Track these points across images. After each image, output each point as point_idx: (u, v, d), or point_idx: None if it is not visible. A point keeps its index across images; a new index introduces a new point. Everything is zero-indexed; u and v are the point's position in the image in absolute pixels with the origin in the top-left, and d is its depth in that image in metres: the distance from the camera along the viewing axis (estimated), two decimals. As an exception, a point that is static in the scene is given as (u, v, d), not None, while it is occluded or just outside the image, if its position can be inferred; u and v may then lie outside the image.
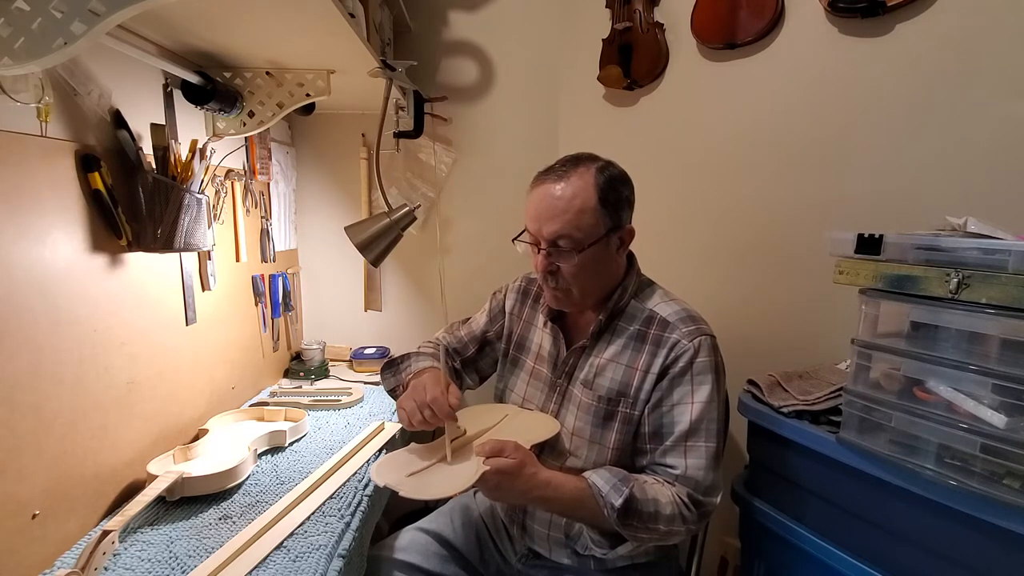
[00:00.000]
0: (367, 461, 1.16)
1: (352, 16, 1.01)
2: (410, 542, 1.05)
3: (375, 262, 1.24)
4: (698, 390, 0.90)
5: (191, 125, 1.20)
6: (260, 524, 0.91)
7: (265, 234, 1.58)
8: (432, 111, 1.71)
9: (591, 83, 1.60)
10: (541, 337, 1.08)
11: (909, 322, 0.87)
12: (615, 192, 0.92)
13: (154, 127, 1.04)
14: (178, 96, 1.14)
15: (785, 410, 1.01)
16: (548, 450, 0.99)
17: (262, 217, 1.57)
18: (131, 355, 1.03)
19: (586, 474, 0.89)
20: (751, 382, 1.13)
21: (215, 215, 1.31)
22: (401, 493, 0.82)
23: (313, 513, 0.97)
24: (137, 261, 1.04)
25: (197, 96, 1.14)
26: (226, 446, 1.13)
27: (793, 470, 1.01)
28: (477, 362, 1.18)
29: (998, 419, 0.73)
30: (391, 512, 1.68)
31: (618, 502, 0.83)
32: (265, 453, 1.19)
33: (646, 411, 0.93)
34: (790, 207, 1.34)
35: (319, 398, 1.50)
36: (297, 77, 1.25)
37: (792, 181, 1.33)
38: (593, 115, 1.66)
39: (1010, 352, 0.75)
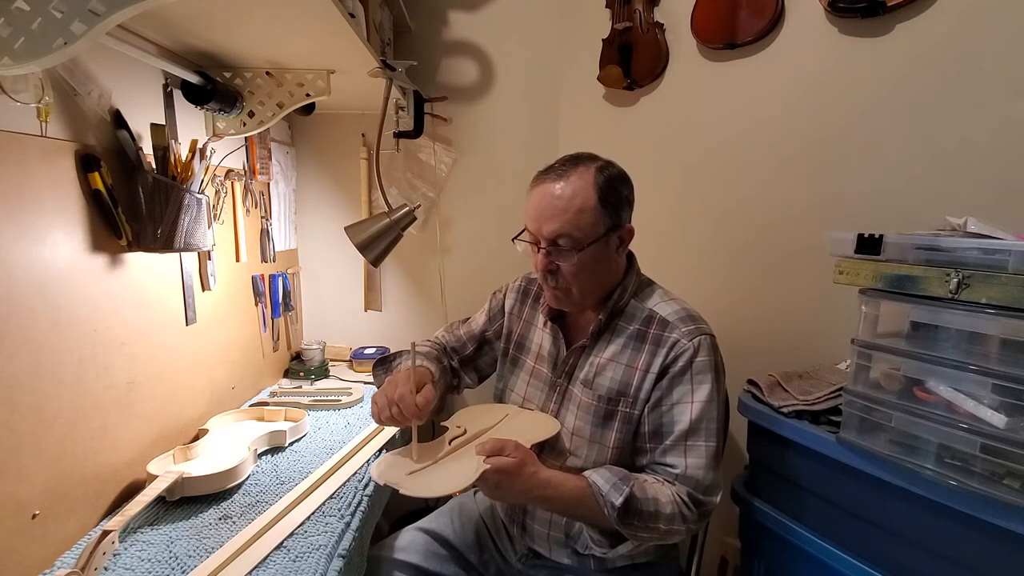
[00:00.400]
0: (367, 461, 1.16)
1: (352, 16, 1.01)
2: (410, 542, 1.05)
3: (375, 262, 1.24)
4: (698, 389, 0.90)
5: (191, 125, 1.20)
6: (260, 524, 0.91)
7: (265, 234, 1.58)
8: (432, 111, 1.71)
9: (591, 83, 1.60)
10: (541, 337, 1.08)
11: (909, 322, 0.87)
12: (615, 192, 0.92)
13: (154, 127, 1.04)
14: (178, 96, 1.14)
15: (785, 410, 1.01)
16: (548, 449, 0.99)
17: (262, 217, 1.57)
18: (131, 355, 1.03)
19: (586, 473, 0.89)
20: (751, 382, 1.13)
21: (215, 215, 1.31)
22: (401, 491, 0.82)
23: (313, 513, 0.97)
24: (137, 261, 1.04)
25: (197, 96, 1.14)
26: (226, 446, 1.13)
27: (793, 470, 1.01)
28: (475, 361, 1.18)
29: (998, 419, 0.73)
30: (391, 512, 1.68)
31: (618, 501, 0.83)
32: (265, 453, 1.19)
33: (646, 410, 0.93)
34: (790, 207, 1.34)
35: (319, 398, 1.50)
36: (297, 77, 1.25)
37: (792, 181, 1.33)
38: (593, 115, 1.66)
39: (1010, 352, 0.75)
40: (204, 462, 1.06)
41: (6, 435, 0.77)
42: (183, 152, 1.09)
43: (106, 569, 0.81)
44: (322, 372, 1.71)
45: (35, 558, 0.81)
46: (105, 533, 0.82)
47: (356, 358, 1.77)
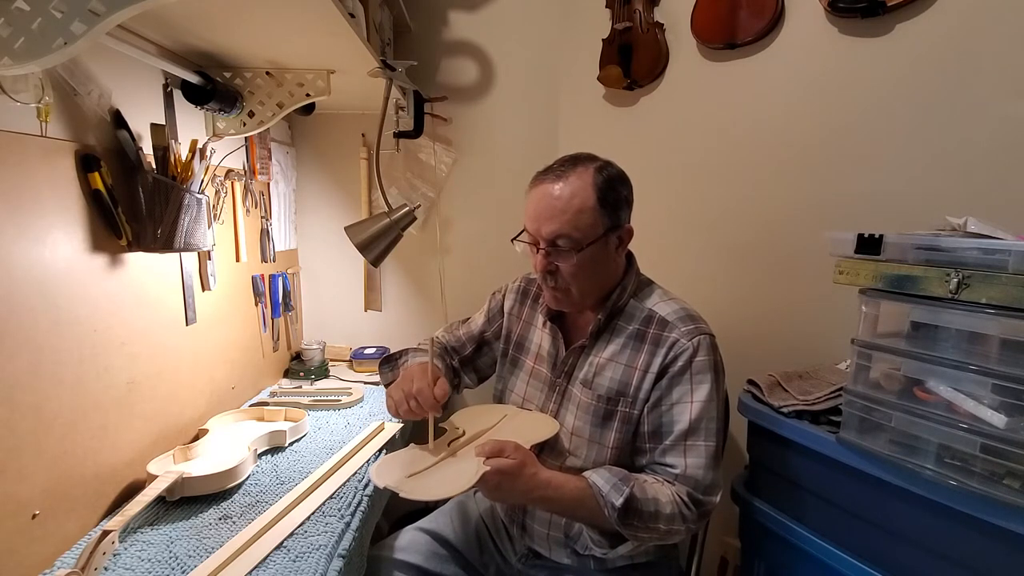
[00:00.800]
0: (367, 461, 1.16)
1: (352, 16, 1.01)
2: (410, 542, 1.05)
3: (375, 262, 1.24)
4: (697, 389, 0.90)
5: (191, 125, 1.20)
6: (260, 524, 0.91)
7: (265, 234, 1.58)
8: (432, 111, 1.70)
9: (591, 83, 1.60)
10: (540, 337, 1.08)
11: (909, 322, 0.87)
12: (614, 192, 0.92)
13: (154, 127, 1.04)
14: (178, 96, 1.14)
15: (785, 410, 1.01)
16: (548, 450, 0.99)
17: (262, 217, 1.57)
18: (131, 355, 1.03)
19: (586, 474, 0.89)
20: (751, 382, 1.13)
21: (215, 215, 1.31)
22: (401, 494, 0.82)
23: (313, 513, 0.97)
24: (137, 261, 1.04)
25: (197, 96, 1.14)
26: (226, 446, 1.13)
27: (793, 470, 1.01)
28: (475, 361, 1.18)
29: (998, 419, 0.73)
30: (391, 512, 1.68)
31: (619, 501, 0.83)
32: (265, 453, 1.19)
33: (645, 410, 0.93)
34: (790, 207, 1.34)
35: (319, 398, 1.50)
36: (297, 77, 1.25)
37: (792, 181, 1.33)
38: (593, 115, 1.66)
39: (1010, 352, 0.75)
40: (204, 462, 1.06)
41: (6, 435, 0.77)
42: (183, 152, 1.09)
43: (106, 569, 0.81)
44: (322, 372, 1.71)
45: (35, 558, 0.81)
46: (105, 533, 0.82)
47: (356, 358, 1.77)
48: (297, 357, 1.79)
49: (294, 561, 0.84)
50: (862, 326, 0.91)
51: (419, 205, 1.39)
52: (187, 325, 1.20)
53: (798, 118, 1.31)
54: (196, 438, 1.18)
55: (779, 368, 1.16)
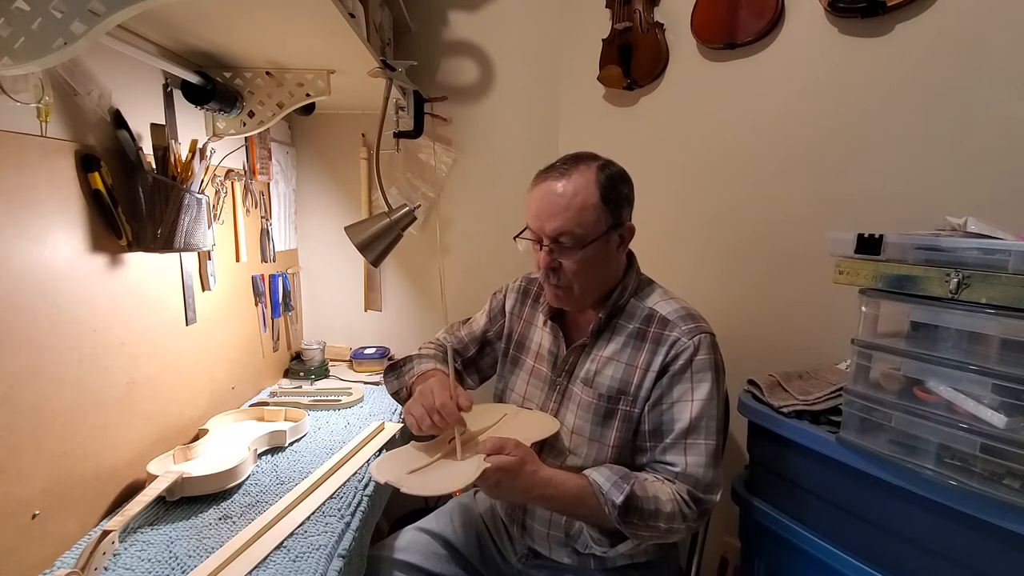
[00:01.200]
0: (367, 461, 1.16)
1: (352, 16, 1.01)
2: (410, 542, 1.05)
3: (375, 262, 1.24)
4: (698, 388, 0.90)
5: (191, 125, 1.20)
6: (260, 524, 0.91)
7: (265, 234, 1.58)
8: (432, 111, 1.71)
9: (591, 83, 1.60)
10: (541, 336, 1.08)
11: (909, 322, 0.87)
12: (615, 190, 0.93)
13: (154, 127, 1.04)
14: (178, 96, 1.14)
15: (785, 410, 1.01)
16: (548, 448, 0.99)
17: (262, 217, 1.57)
18: (131, 355, 1.03)
19: (586, 472, 0.89)
20: (751, 382, 1.13)
21: (215, 215, 1.31)
22: (403, 489, 0.82)
23: (313, 513, 0.97)
24: (137, 261, 1.04)
25: (197, 96, 1.14)
26: (226, 446, 1.13)
27: (793, 470, 1.01)
28: (478, 362, 1.18)
29: (998, 419, 0.73)
30: (391, 512, 1.68)
31: (619, 499, 0.83)
32: (265, 453, 1.19)
33: (646, 409, 0.93)
34: (790, 207, 1.34)
35: (319, 398, 1.50)
36: (297, 77, 1.25)
37: (792, 181, 1.33)
38: (593, 115, 1.66)
39: (1010, 352, 0.75)
40: (204, 462, 1.06)
41: (6, 435, 0.77)
42: (183, 152, 1.09)
43: (106, 569, 0.81)
44: (322, 372, 1.71)
45: (35, 558, 0.81)
46: (105, 533, 0.82)
47: (356, 358, 1.77)
48: (297, 357, 1.79)
49: (294, 561, 0.84)
50: (862, 326, 0.91)
51: (419, 205, 1.39)
52: (187, 325, 1.20)
53: (798, 118, 1.31)
54: (196, 438, 1.18)
55: (779, 368, 1.16)
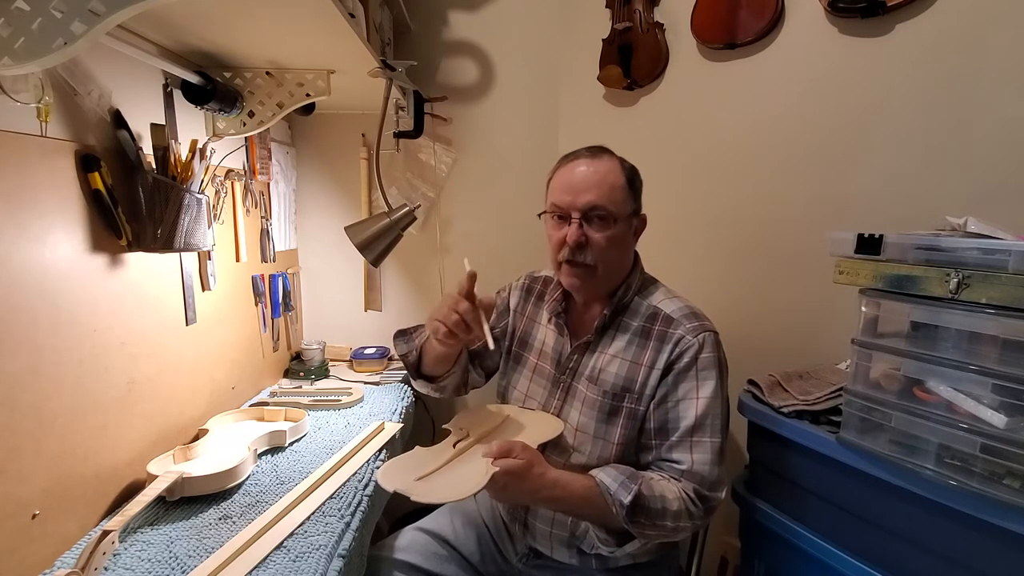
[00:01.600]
0: (367, 461, 1.16)
1: (352, 16, 1.01)
2: (410, 542, 1.05)
3: (375, 262, 1.24)
4: (703, 385, 0.91)
5: (191, 125, 1.20)
6: (260, 524, 0.91)
7: (265, 234, 1.58)
8: (432, 111, 1.71)
9: (591, 83, 1.60)
10: (545, 334, 1.08)
11: (909, 322, 0.87)
12: (637, 179, 1.00)
13: (154, 127, 1.04)
14: (178, 96, 1.14)
15: (785, 410, 1.01)
16: (552, 446, 1.00)
17: (262, 217, 1.57)
18: (131, 355, 1.03)
19: (593, 472, 0.89)
20: (751, 382, 1.13)
21: (215, 215, 1.31)
22: (412, 498, 0.81)
23: (313, 513, 0.97)
24: (137, 261, 1.04)
25: (197, 96, 1.14)
26: (226, 446, 1.13)
27: (793, 470, 1.01)
28: (483, 359, 1.19)
29: (998, 419, 0.73)
30: (391, 512, 1.68)
31: (627, 499, 0.83)
32: (265, 453, 1.19)
33: (651, 407, 0.93)
34: (790, 207, 1.34)
35: (319, 398, 1.50)
36: (297, 77, 1.25)
37: (792, 181, 1.33)
38: (593, 115, 1.66)
39: (1010, 352, 0.75)
40: (204, 462, 1.06)
41: (6, 435, 0.77)
42: (183, 152, 1.09)
43: (106, 569, 0.81)
44: (322, 372, 1.71)
45: (35, 558, 0.81)
46: (105, 533, 0.82)
47: (356, 358, 1.77)
48: (297, 357, 1.79)
49: (294, 561, 0.84)
50: (862, 326, 0.91)
51: (419, 205, 1.39)
52: (187, 325, 1.20)
53: (798, 118, 1.31)
54: (196, 438, 1.18)
55: (779, 368, 1.16)
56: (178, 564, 0.83)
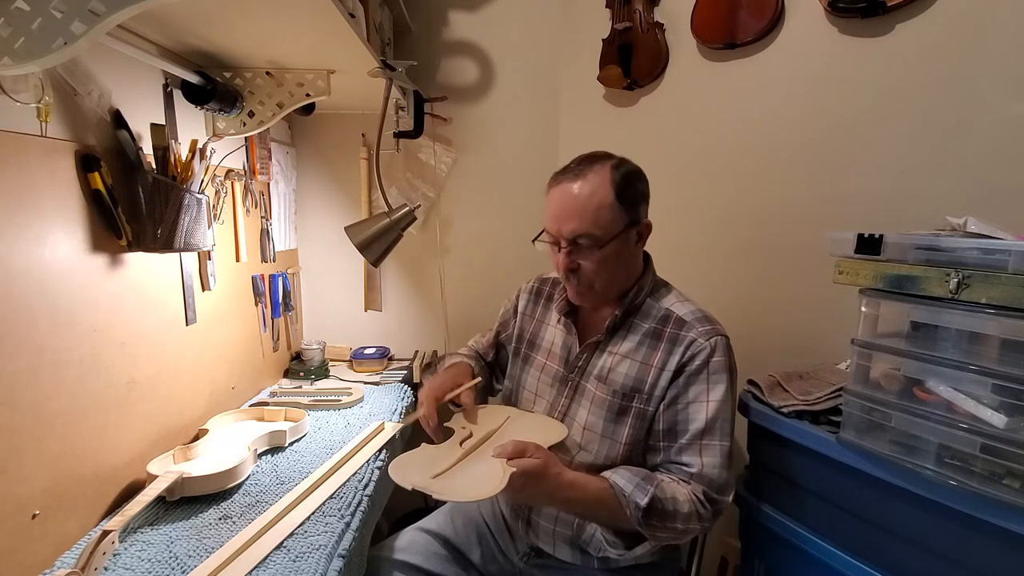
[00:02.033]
0: (367, 461, 1.16)
1: (352, 16, 1.01)
2: (410, 542, 1.05)
3: (375, 262, 1.24)
4: (714, 389, 0.91)
5: (191, 125, 1.20)
6: (260, 524, 0.91)
7: (265, 234, 1.58)
8: (432, 111, 1.71)
9: (591, 83, 1.60)
10: (554, 334, 1.09)
11: (909, 322, 0.87)
12: (631, 188, 0.94)
13: (154, 127, 1.04)
14: (178, 96, 1.14)
15: (785, 410, 1.01)
16: (558, 444, 1.00)
17: (262, 217, 1.57)
18: (131, 355, 1.03)
19: (606, 474, 0.89)
20: (751, 382, 1.13)
21: (215, 215, 1.31)
22: (434, 495, 0.80)
23: (313, 513, 0.97)
24: (137, 261, 1.04)
25: (197, 96, 1.14)
26: (226, 446, 1.13)
27: (793, 470, 1.01)
28: (499, 363, 1.23)
29: (998, 419, 0.73)
30: (391, 512, 1.68)
31: (643, 501, 0.83)
32: (265, 453, 1.19)
33: (660, 408, 0.93)
34: (790, 207, 1.34)
35: (319, 398, 1.50)
36: (297, 77, 1.25)
37: (792, 181, 1.33)
38: (593, 115, 1.66)
39: (1010, 352, 0.75)
40: (204, 462, 1.06)
41: (6, 435, 0.77)
42: (183, 152, 1.09)
43: (106, 569, 0.81)
44: (322, 372, 1.71)
45: (35, 558, 0.81)
46: (105, 533, 0.82)
47: (356, 358, 1.77)
48: (297, 357, 1.79)
49: (294, 561, 0.84)
50: (862, 326, 0.91)
51: (419, 205, 1.39)
52: (187, 325, 1.20)
53: (798, 118, 1.31)
54: (196, 438, 1.18)
55: (779, 368, 1.16)
56: (178, 564, 0.83)
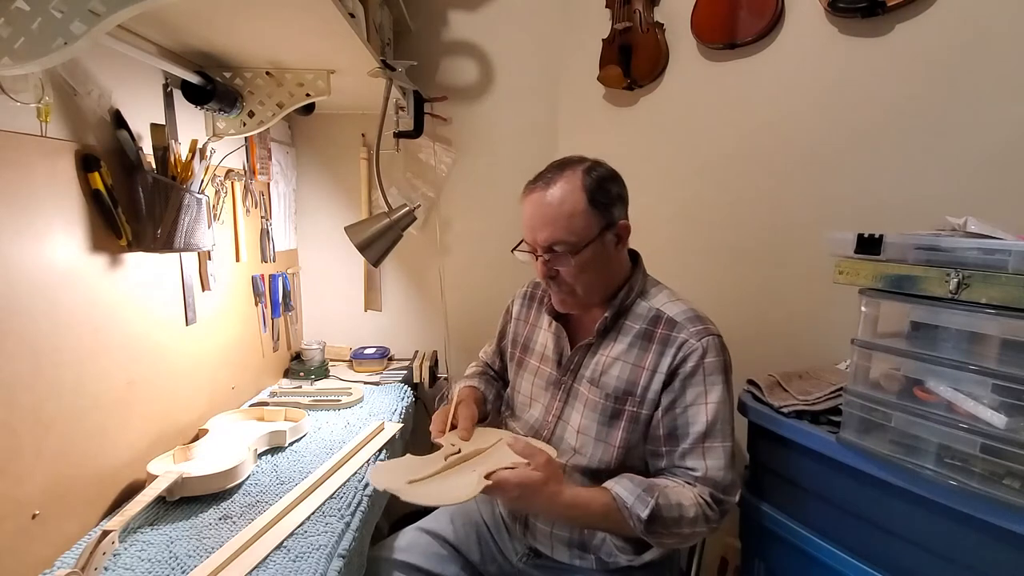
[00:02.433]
0: (367, 461, 1.16)
1: (352, 16, 1.01)
2: (410, 542, 1.05)
3: (375, 262, 1.24)
4: (711, 390, 0.91)
5: (191, 125, 1.20)
6: (260, 524, 0.91)
7: (265, 234, 1.58)
8: (432, 111, 1.71)
9: (591, 83, 1.60)
10: (546, 337, 1.09)
11: (909, 322, 0.87)
12: (604, 191, 0.93)
13: (154, 127, 1.04)
14: (178, 96, 1.14)
15: (785, 410, 1.01)
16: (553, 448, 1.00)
17: (262, 217, 1.57)
18: (131, 355, 1.03)
19: (608, 485, 0.89)
20: (751, 382, 1.13)
21: (215, 215, 1.31)
22: (401, 496, 0.81)
23: (313, 513, 0.97)
24: (137, 261, 1.04)
25: (197, 96, 1.14)
26: (226, 446, 1.13)
27: (793, 470, 1.01)
28: (505, 371, 1.23)
29: (998, 419, 0.73)
30: (391, 512, 1.68)
31: (645, 514, 0.83)
32: (265, 453, 1.19)
33: (659, 414, 0.93)
34: (790, 206, 1.34)
35: (319, 398, 1.50)
36: (297, 77, 1.25)
37: (792, 180, 1.33)
38: (593, 115, 1.66)
39: (1010, 352, 0.75)
40: (204, 462, 1.06)
41: (6, 436, 0.77)
42: (183, 152, 1.09)
43: (106, 569, 0.81)
44: (322, 372, 1.71)
45: (35, 558, 0.81)
46: (105, 533, 0.82)
47: (356, 358, 1.77)
48: (297, 357, 1.79)
49: (294, 561, 0.84)
50: (862, 326, 0.91)
51: (419, 205, 1.39)
52: (187, 325, 1.20)
53: (798, 118, 1.31)
54: (196, 438, 1.18)
55: (779, 368, 1.16)
56: (178, 564, 0.83)
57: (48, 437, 0.84)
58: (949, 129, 1.11)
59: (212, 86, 1.14)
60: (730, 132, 1.42)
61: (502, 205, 1.79)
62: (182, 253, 1.17)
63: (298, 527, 0.92)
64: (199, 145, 1.12)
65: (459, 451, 0.97)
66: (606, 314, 0.98)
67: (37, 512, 0.82)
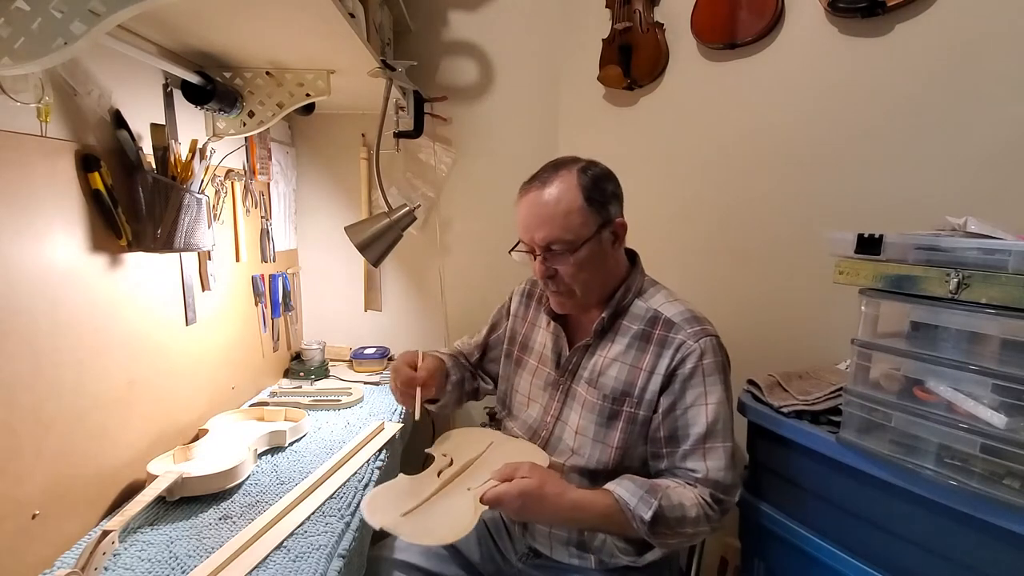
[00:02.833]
0: (367, 461, 1.16)
1: (352, 16, 1.01)
2: (410, 543, 1.05)
3: (375, 262, 1.24)
4: (711, 391, 0.91)
5: (191, 125, 1.20)
6: (260, 524, 0.91)
7: (265, 234, 1.58)
8: (432, 111, 1.71)
9: (591, 83, 1.60)
10: (544, 337, 1.08)
11: (909, 322, 0.87)
12: (599, 189, 0.93)
13: (154, 127, 1.04)
14: (178, 96, 1.14)
15: (785, 410, 1.01)
16: (551, 449, 1.00)
17: (262, 217, 1.57)
18: (131, 355, 1.03)
19: (610, 487, 0.89)
20: (751, 382, 1.13)
21: (215, 215, 1.31)
22: (402, 537, 0.80)
23: (313, 513, 0.97)
24: (137, 261, 1.04)
25: (197, 96, 1.14)
26: (226, 446, 1.13)
27: (793, 470, 1.01)
28: (483, 365, 1.22)
29: (998, 419, 0.73)
30: (391, 512, 1.68)
31: (648, 515, 0.83)
32: (265, 453, 1.19)
33: (659, 416, 0.93)
34: (790, 206, 1.34)
35: (319, 398, 1.50)
36: (297, 77, 1.25)
37: (792, 181, 1.33)
38: (593, 115, 1.66)
39: (1010, 352, 0.75)
40: (204, 462, 1.06)
41: (6, 435, 0.77)
42: (183, 152, 1.09)
43: (106, 569, 0.81)
44: (322, 372, 1.71)
45: (35, 558, 0.81)
46: (105, 533, 0.82)
47: (356, 358, 1.77)
48: (297, 357, 1.79)
49: (294, 561, 0.84)
50: (862, 326, 0.91)
51: (419, 205, 1.39)
52: (187, 325, 1.20)
53: (798, 118, 1.31)
54: (196, 438, 1.18)
55: (779, 368, 1.16)
56: (178, 564, 0.83)
57: (48, 437, 0.84)
58: (949, 129, 1.11)
59: (212, 86, 1.14)
60: (730, 132, 1.42)
61: (502, 205, 1.77)
62: (182, 253, 1.17)
63: (298, 527, 0.92)
64: (199, 145, 1.12)
65: (451, 461, 0.96)
66: (603, 314, 0.98)
67: (37, 512, 0.82)
